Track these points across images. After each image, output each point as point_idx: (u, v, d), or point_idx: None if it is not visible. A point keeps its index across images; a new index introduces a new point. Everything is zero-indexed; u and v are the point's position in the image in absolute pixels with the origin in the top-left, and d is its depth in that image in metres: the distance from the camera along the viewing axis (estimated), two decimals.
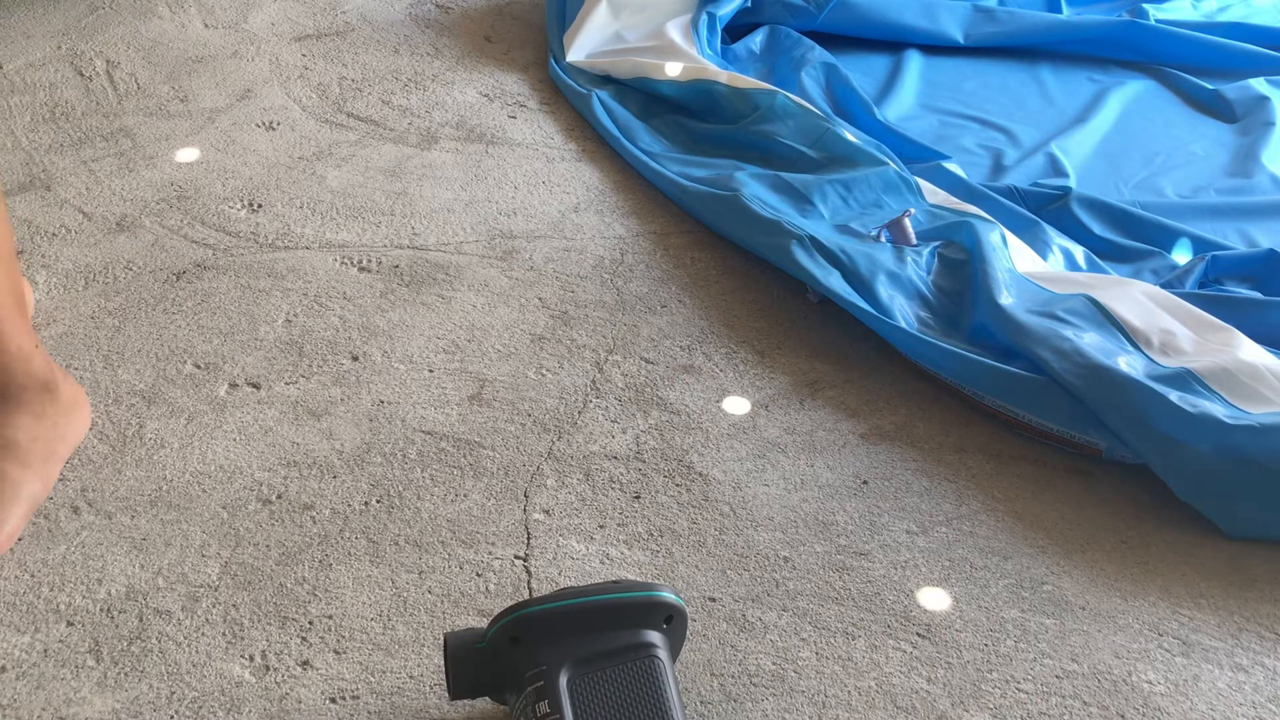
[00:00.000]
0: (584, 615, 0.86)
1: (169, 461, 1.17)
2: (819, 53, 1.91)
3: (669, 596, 0.88)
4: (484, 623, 1.00)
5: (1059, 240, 1.49)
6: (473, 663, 0.88)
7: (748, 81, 1.76)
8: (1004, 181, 1.66)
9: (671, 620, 0.88)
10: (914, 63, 2.00)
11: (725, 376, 1.31)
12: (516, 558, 1.08)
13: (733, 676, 0.97)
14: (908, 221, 1.48)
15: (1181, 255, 1.50)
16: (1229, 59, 2.01)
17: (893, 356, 1.33)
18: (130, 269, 1.45)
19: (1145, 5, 2.11)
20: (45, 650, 0.97)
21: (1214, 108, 1.89)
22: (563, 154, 1.72)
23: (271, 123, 1.75)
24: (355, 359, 1.32)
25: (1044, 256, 1.46)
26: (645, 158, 1.65)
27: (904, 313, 1.35)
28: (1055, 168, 1.70)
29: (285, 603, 1.02)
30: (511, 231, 1.54)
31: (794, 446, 1.22)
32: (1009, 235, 1.44)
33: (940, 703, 0.96)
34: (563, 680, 0.83)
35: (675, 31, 1.91)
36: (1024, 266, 1.40)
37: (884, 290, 1.36)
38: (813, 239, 1.42)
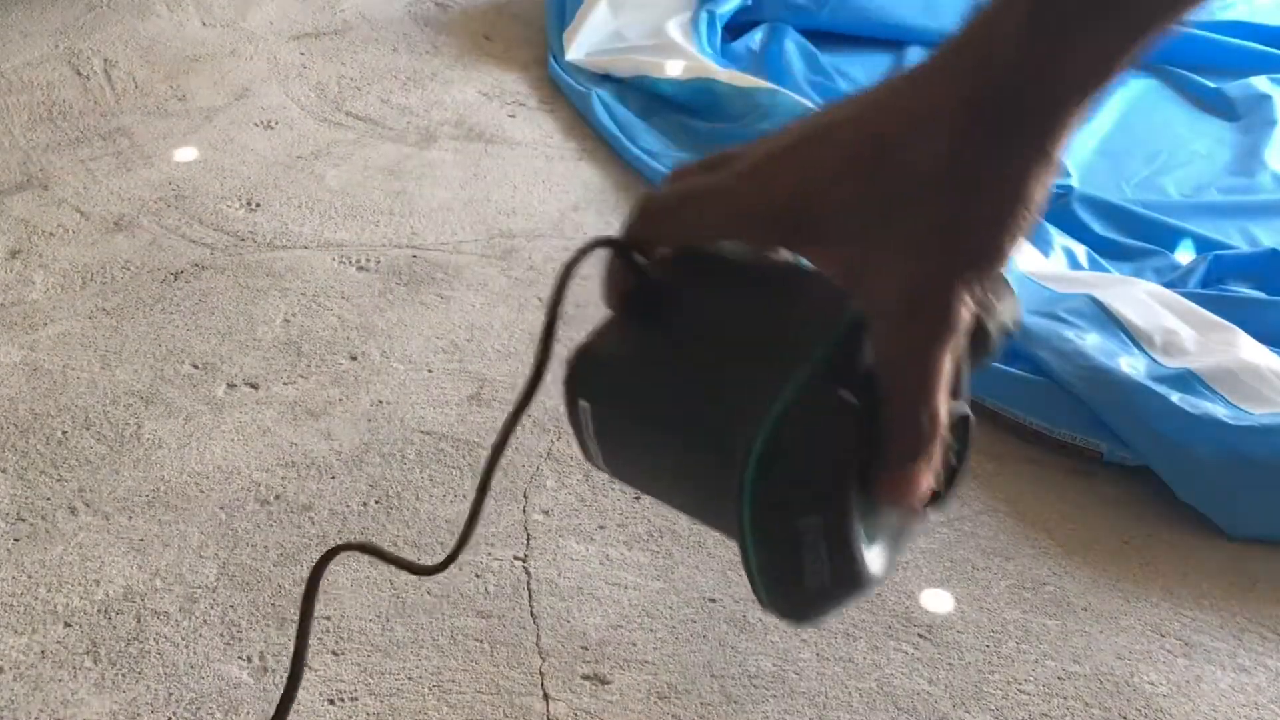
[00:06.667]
0: None
1: (167, 462, 1.17)
2: (818, 51, 1.91)
3: None
4: (484, 622, 0.99)
5: (1061, 239, 1.48)
6: None
7: (748, 80, 1.75)
8: None
9: None
10: (916, 61, 1.99)
11: None
12: (516, 558, 1.08)
13: (733, 678, 0.96)
14: None
15: (1184, 254, 1.49)
16: (1231, 57, 2.00)
17: None
18: (128, 269, 1.44)
19: None
20: (43, 651, 0.97)
21: (1216, 106, 1.89)
22: (562, 153, 1.71)
23: (270, 122, 1.74)
24: (354, 359, 1.31)
25: (1046, 255, 1.45)
26: (645, 157, 1.65)
27: None
28: None
29: (283, 604, 1.02)
30: (511, 231, 1.54)
31: None
32: None
33: (941, 704, 0.95)
34: None
35: (675, 29, 1.90)
36: (1027, 265, 1.40)
37: None
38: None
